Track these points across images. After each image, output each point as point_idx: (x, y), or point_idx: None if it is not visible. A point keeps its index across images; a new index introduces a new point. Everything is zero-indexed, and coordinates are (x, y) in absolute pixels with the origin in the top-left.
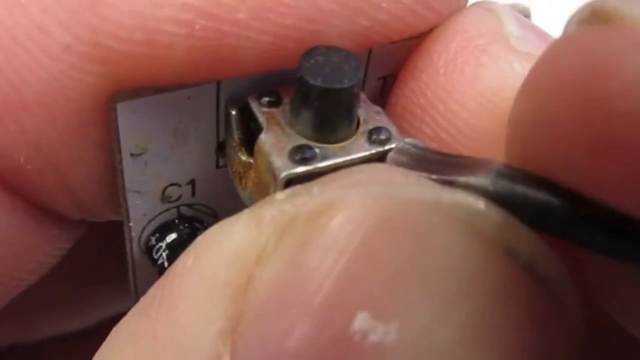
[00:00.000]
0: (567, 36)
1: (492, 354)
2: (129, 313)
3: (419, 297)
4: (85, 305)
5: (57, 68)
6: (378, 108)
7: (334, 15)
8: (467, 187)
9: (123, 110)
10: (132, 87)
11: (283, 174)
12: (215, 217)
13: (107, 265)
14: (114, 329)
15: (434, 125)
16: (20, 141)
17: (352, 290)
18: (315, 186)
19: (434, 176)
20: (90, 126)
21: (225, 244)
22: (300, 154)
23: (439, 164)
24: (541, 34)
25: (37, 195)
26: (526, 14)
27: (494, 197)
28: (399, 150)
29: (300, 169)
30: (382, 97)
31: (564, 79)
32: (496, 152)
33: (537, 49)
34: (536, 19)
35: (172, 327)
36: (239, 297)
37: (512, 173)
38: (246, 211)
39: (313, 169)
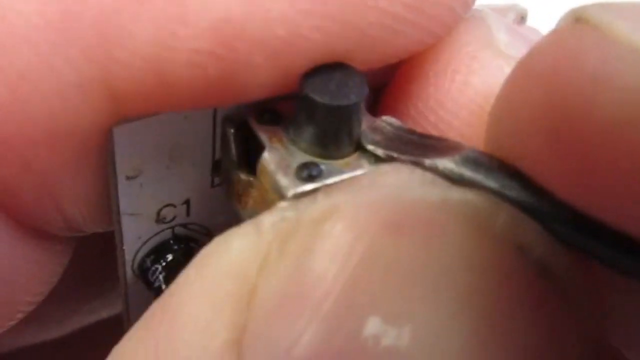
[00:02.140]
0: (550, 32)
1: (507, 354)
2: (130, 330)
3: (431, 299)
4: (66, 315)
5: (65, 107)
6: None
7: (348, 56)
8: (433, 170)
9: (119, 134)
10: (134, 116)
11: (291, 192)
12: (210, 236)
13: (91, 272)
14: (115, 348)
15: None
16: (22, 175)
17: (361, 294)
18: (320, 193)
19: (403, 157)
20: (90, 154)
21: (226, 255)
22: (307, 171)
23: (410, 145)
24: (529, 41)
25: (30, 219)
26: (523, 16)
27: (458, 182)
28: (374, 128)
29: (308, 186)
30: (375, 109)
31: (533, 69)
32: None
33: (523, 52)
34: (532, 21)
35: (175, 341)
36: (242, 307)
37: (479, 158)
38: (246, 222)
39: (321, 186)
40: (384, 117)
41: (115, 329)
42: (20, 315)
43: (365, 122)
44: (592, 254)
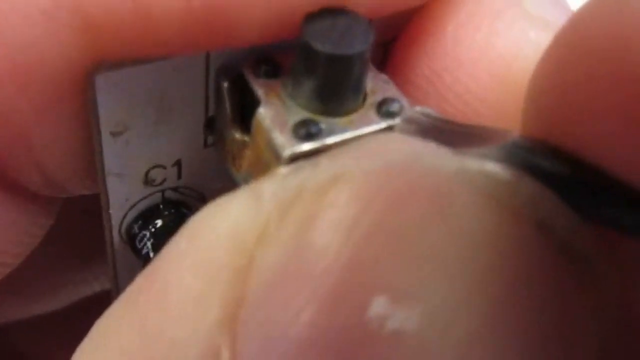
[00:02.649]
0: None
1: (527, 339)
2: (113, 304)
3: (444, 277)
4: (58, 287)
5: (32, 34)
6: (385, 77)
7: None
8: (481, 159)
9: (102, 83)
10: (114, 59)
11: (287, 152)
12: (204, 201)
13: (81, 242)
14: (96, 323)
15: (439, 98)
16: None
17: (367, 271)
18: (323, 159)
19: (432, 143)
20: (67, 100)
21: (221, 223)
22: (305, 129)
23: (450, 134)
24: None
25: (5, 170)
26: None
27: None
28: (408, 119)
29: (306, 145)
30: (384, 66)
31: (590, 42)
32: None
33: (552, 14)
34: None
35: (163, 318)
36: (238, 281)
37: (530, 145)
38: (244, 188)
39: (320, 146)
40: (418, 108)
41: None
42: None
43: (372, 78)
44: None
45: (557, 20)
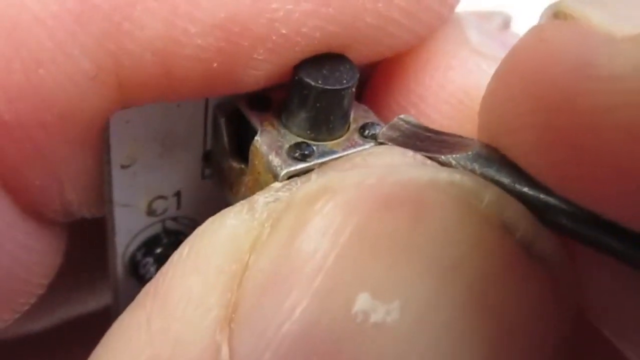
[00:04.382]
0: (531, 29)
1: (492, 327)
2: (126, 309)
3: (419, 274)
4: (55, 304)
5: (77, 93)
6: (365, 107)
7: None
8: (448, 165)
9: (116, 121)
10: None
11: (284, 171)
12: None
13: (80, 261)
14: (109, 329)
15: None
16: (33, 159)
17: (351, 271)
18: (313, 174)
19: (419, 153)
20: (92, 140)
21: (220, 231)
22: (299, 151)
23: (427, 141)
24: (499, 39)
25: (34, 204)
26: (507, 21)
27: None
28: (391, 126)
29: (301, 165)
30: (358, 100)
31: (520, 64)
32: None
33: (498, 52)
34: (517, 26)
35: (168, 318)
36: (234, 284)
37: (489, 154)
38: (241, 201)
39: (313, 165)
40: (402, 116)
41: (103, 322)
42: (21, 308)
43: (354, 108)
44: (583, 240)
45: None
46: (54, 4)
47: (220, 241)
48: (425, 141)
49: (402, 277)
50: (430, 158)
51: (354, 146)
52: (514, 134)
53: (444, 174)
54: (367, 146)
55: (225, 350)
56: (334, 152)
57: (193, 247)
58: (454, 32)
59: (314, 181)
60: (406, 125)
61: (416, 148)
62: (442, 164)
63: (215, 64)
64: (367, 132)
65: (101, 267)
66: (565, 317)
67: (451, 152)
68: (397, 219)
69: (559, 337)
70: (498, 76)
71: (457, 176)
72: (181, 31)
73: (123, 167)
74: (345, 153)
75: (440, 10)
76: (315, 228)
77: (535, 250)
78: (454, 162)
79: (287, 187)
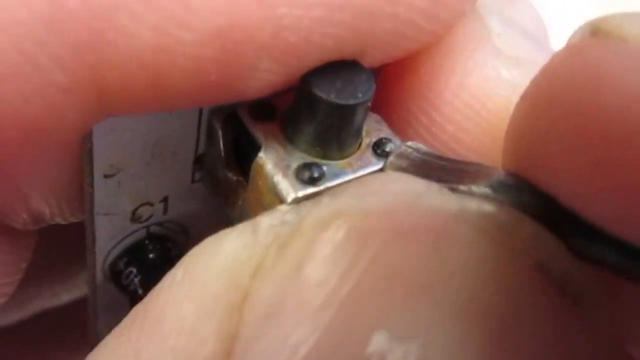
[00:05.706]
0: (568, 46)
1: None
2: (107, 336)
3: (443, 314)
4: (27, 299)
5: (49, 109)
6: (377, 117)
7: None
8: (469, 195)
9: (99, 130)
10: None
11: (291, 196)
12: (186, 233)
13: (54, 258)
14: (89, 355)
15: (418, 139)
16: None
17: (366, 306)
18: (324, 197)
19: (434, 183)
20: (67, 152)
21: (218, 256)
22: (309, 173)
23: (440, 170)
24: (522, 31)
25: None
26: None
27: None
28: (400, 154)
29: (311, 189)
30: None
31: (562, 87)
32: None
33: (524, 49)
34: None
35: (157, 349)
36: (233, 314)
37: (517, 183)
38: (242, 223)
39: (324, 189)
40: (410, 143)
41: (75, 314)
42: None
43: (367, 120)
44: (618, 271)
45: (529, 55)
46: (22, 9)
47: (218, 265)
48: (440, 170)
49: (424, 314)
50: (450, 189)
51: (367, 166)
52: (562, 161)
53: (473, 205)
54: (380, 165)
55: None
56: (345, 174)
57: (188, 270)
58: (474, 23)
59: (326, 205)
60: (415, 154)
61: (431, 179)
62: (464, 194)
63: (213, 76)
64: (380, 149)
65: (73, 259)
66: (600, 354)
67: (472, 182)
68: (420, 252)
69: None
70: (533, 98)
71: (488, 207)
72: (174, 40)
73: (106, 176)
74: (358, 175)
75: (461, 7)
76: (326, 256)
77: (571, 289)
78: (477, 192)
79: (295, 209)
